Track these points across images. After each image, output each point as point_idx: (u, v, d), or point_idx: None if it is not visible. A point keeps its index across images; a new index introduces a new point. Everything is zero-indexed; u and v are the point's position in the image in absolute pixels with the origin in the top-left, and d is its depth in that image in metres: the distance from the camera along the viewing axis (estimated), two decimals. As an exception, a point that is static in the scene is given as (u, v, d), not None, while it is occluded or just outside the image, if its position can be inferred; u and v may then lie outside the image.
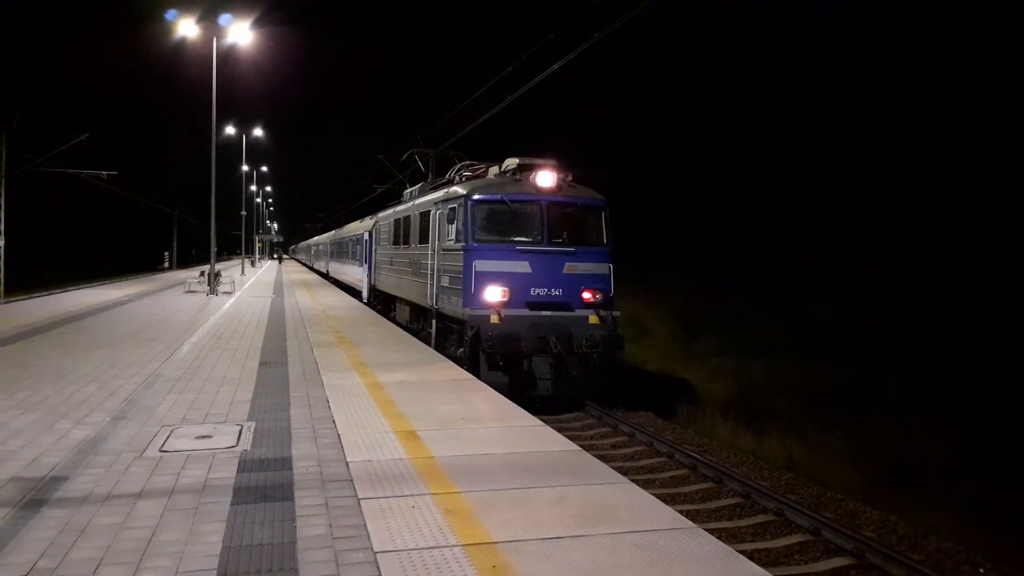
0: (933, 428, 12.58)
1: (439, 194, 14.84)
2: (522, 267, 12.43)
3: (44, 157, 28.69)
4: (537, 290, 12.46)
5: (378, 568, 4.02)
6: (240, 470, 5.72)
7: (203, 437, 6.67)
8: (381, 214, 24.28)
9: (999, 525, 8.60)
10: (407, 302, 18.19)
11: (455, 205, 13.21)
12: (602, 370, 12.67)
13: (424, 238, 15.73)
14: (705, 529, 4.80)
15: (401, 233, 18.90)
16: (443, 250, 13.89)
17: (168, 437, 6.66)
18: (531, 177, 12.94)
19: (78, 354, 11.52)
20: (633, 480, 5.99)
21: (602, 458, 7.21)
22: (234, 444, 6.44)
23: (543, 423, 7.51)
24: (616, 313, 12.88)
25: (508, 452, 6.33)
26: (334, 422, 7.27)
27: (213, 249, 26.84)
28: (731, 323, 23.50)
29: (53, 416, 7.38)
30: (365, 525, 4.62)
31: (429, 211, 15.23)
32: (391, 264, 20.46)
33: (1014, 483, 9.93)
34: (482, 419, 7.52)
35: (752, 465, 10.62)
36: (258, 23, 24.24)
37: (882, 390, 15.29)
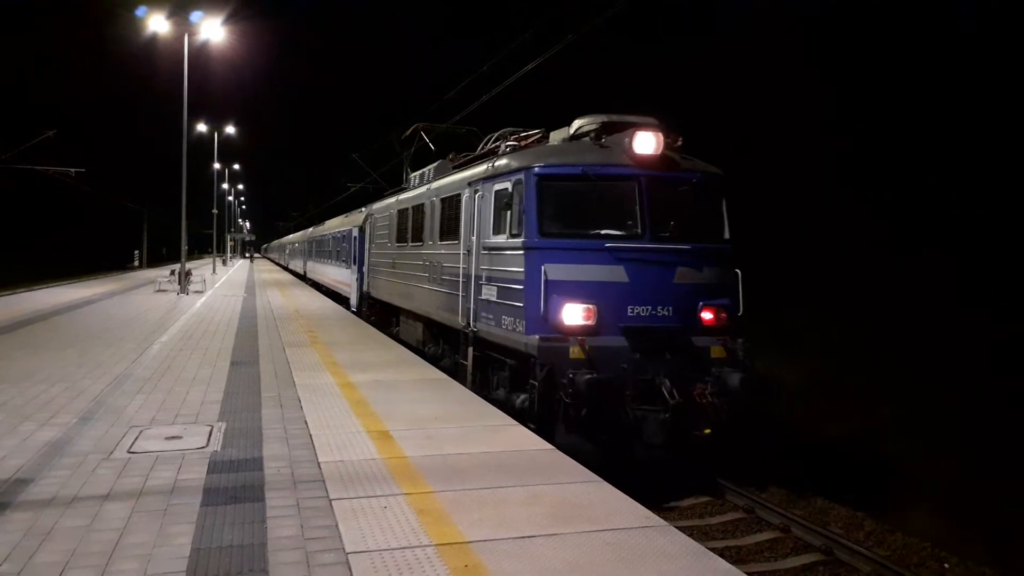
0: (911, 421, 12.74)
1: (477, 170, 10.86)
2: (615, 274, 8.64)
3: (10, 153, 28.20)
4: (637, 308, 8.67)
5: (349, 569, 4.01)
6: (210, 471, 5.67)
7: (173, 438, 6.59)
8: (376, 205, 20.45)
9: (966, 519, 8.77)
10: (420, 317, 14.32)
11: (508, 184, 9.40)
12: (735, 428, 8.73)
13: (450, 232, 11.94)
14: (676, 527, 4.84)
15: (409, 227, 14.99)
16: (486, 249, 10.03)
17: (137, 438, 6.58)
18: (624, 142, 8.99)
19: (44, 354, 11.32)
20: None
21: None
22: (204, 445, 6.38)
23: (516, 422, 7.52)
24: (746, 344, 9.04)
25: (481, 451, 6.33)
26: (306, 422, 7.22)
27: (184, 248, 26.55)
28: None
29: (17, 417, 7.25)
30: (337, 526, 4.60)
31: (459, 195, 11.46)
32: (393, 267, 16.56)
33: (985, 477, 10.12)
34: (455, 418, 7.51)
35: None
36: (230, 20, 24.04)
37: (863, 383, 15.47)
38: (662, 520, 4.87)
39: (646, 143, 8.91)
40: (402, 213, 15.89)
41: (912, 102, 33.70)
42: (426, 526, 4.61)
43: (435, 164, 15.18)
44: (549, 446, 6.67)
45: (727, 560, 4.40)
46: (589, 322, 8.51)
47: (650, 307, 8.74)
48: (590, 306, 8.51)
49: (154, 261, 68.70)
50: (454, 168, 13.41)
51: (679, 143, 9.50)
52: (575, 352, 8.35)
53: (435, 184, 13.33)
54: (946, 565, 7.40)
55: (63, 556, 4.10)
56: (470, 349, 10.60)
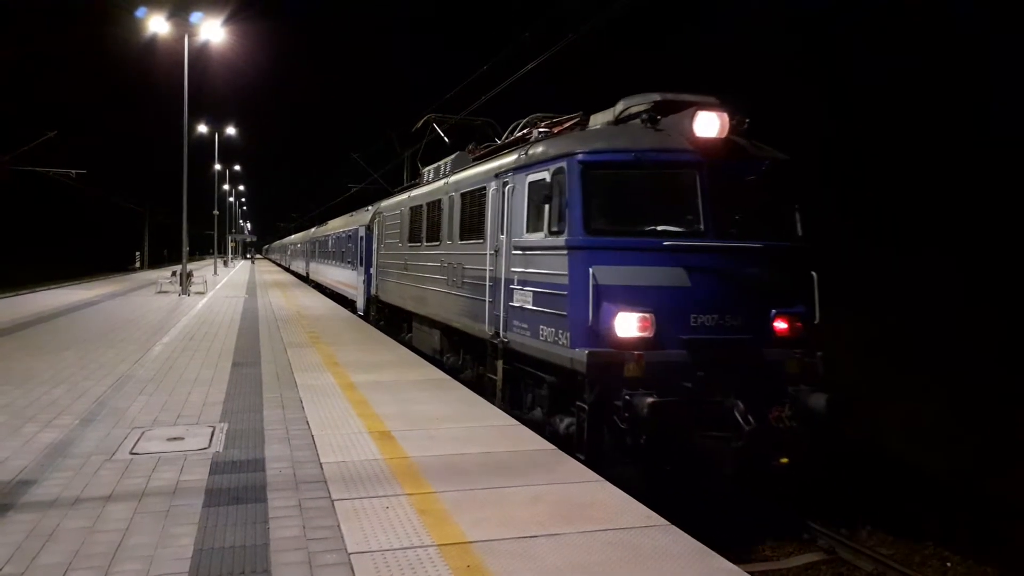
0: (910, 419, 12.74)
1: (506, 160, 9.67)
2: (675, 278, 7.48)
3: (11, 155, 28.25)
4: (701, 317, 7.48)
5: (352, 569, 4.01)
6: (212, 472, 5.67)
7: (175, 439, 6.60)
8: (385, 203, 19.36)
9: (967, 517, 8.76)
10: (436, 324, 13.02)
11: (546, 173, 8.23)
12: (814, 455, 7.65)
13: (472, 230, 10.81)
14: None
15: (424, 225, 13.79)
16: (518, 249, 8.87)
17: (139, 439, 6.58)
18: (683, 123, 7.78)
19: (46, 355, 11.33)
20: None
21: None
22: (206, 446, 6.38)
23: (517, 422, 7.52)
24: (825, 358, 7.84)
25: (483, 451, 6.34)
26: (308, 423, 7.23)
27: (185, 249, 26.57)
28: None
29: (20, 419, 7.26)
30: (339, 526, 4.60)
31: (483, 189, 10.31)
32: (405, 268, 15.27)
33: (985, 476, 10.12)
34: (457, 418, 7.52)
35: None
36: (230, 20, 24.07)
37: (861, 381, 15.46)
38: (664, 519, 4.87)
39: (709, 125, 7.68)
40: (415, 211, 14.68)
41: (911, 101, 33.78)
42: (428, 526, 4.62)
43: (452, 156, 13.94)
44: (551, 446, 6.67)
45: (729, 559, 4.40)
46: (646, 334, 7.27)
47: (716, 316, 7.52)
48: (647, 315, 7.27)
49: (155, 262, 68.76)
50: (475, 160, 12.37)
51: (746, 125, 8.12)
52: (631, 369, 7.14)
53: (453, 178, 12.27)
54: (948, 564, 7.39)
55: (66, 557, 4.11)
56: (499, 362, 9.45)
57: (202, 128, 41.14)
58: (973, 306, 21.16)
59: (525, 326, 8.64)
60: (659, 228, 7.64)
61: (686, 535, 4.59)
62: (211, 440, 6.57)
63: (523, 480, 5.56)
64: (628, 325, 7.25)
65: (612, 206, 7.81)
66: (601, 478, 5.74)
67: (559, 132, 9.41)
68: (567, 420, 7.79)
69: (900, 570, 6.87)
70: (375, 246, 19.73)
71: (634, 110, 8.36)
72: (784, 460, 7.32)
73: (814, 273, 7.94)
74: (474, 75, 17.18)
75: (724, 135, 7.70)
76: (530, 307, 8.50)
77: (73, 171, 33.34)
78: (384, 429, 7.00)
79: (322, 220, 48.38)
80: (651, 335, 7.27)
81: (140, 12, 22.79)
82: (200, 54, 25.30)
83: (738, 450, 7.01)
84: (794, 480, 7.60)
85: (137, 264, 63.78)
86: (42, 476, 5.53)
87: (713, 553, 4.36)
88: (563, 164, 7.89)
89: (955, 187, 29.09)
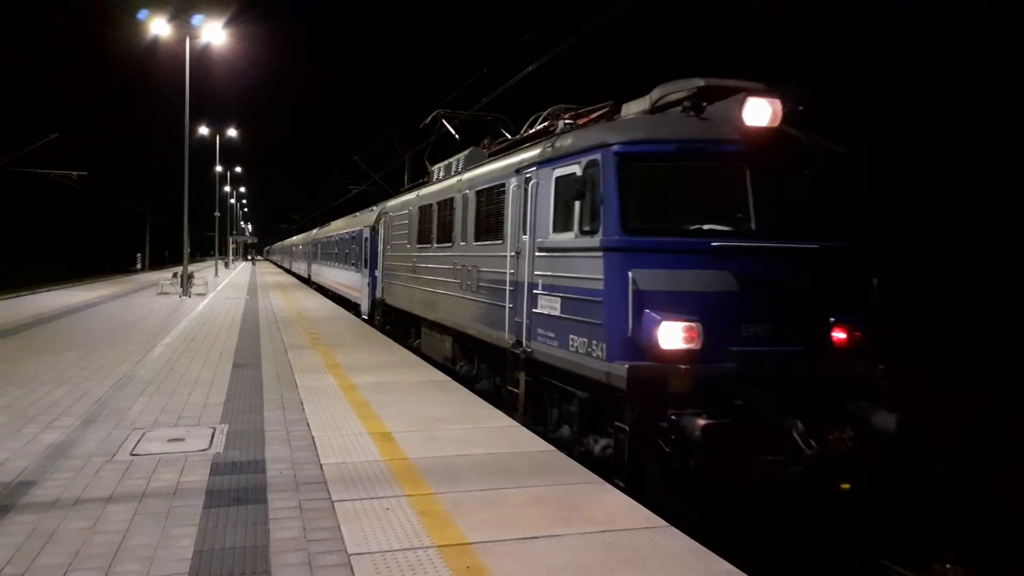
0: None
1: (529, 154, 8.92)
2: (723, 282, 6.70)
3: (12, 156, 28.31)
4: (752, 327, 6.75)
5: (352, 570, 4.02)
6: (213, 473, 5.68)
7: (175, 440, 6.61)
8: (391, 202, 18.63)
9: (967, 517, 8.76)
10: (448, 330, 12.29)
11: (577, 167, 7.45)
12: (884, 484, 7.15)
13: (489, 231, 10.05)
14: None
15: (434, 226, 13.07)
16: (543, 250, 8.14)
17: (139, 440, 6.60)
18: (730, 111, 7.01)
19: (47, 356, 11.34)
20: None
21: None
22: (207, 447, 6.39)
23: (517, 423, 7.53)
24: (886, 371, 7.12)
25: (483, 453, 6.34)
26: (308, 424, 7.24)
27: (186, 250, 26.59)
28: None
29: (21, 420, 7.27)
30: (339, 527, 4.61)
31: (502, 186, 9.58)
32: (414, 271, 14.51)
33: (986, 475, 10.11)
34: (457, 420, 7.52)
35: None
36: (232, 22, 24.12)
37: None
38: (664, 521, 4.87)
39: (760, 112, 6.91)
40: (424, 210, 13.89)
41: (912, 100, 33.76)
42: (428, 528, 4.62)
43: (465, 152, 13.17)
44: (551, 448, 6.67)
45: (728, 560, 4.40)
46: (692, 345, 6.43)
47: (769, 325, 6.77)
48: (693, 324, 6.44)
49: (156, 264, 68.86)
50: (491, 155, 11.55)
51: (799, 113, 7.29)
52: (676, 385, 6.36)
53: (467, 175, 11.51)
54: (948, 565, 7.39)
55: (66, 558, 4.12)
56: (521, 374, 8.69)
57: (203, 130, 41.24)
58: (980, 306, 21.16)
59: (552, 335, 7.86)
60: (705, 227, 6.89)
61: (686, 537, 4.60)
62: (211, 441, 6.58)
63: (523, 481, 5.57)
64: (673, 336, 6.43)
65: (652, 202, 7.04)
66: (600, 479, 5.74)
67: (585, 123, 8.58)
68: (603, 441, 7.03)
69: (900, 571, 6.86)
70: (380, 247, 19.03)
71: (673, 97, 7.58)
72: (846, 486, 6.59)
73: (875, 277, 7.26)
74: (476, 76, 17.09)
75: (776, 124, 6.98)
76: (558, 314, 7.73)
77: (75, 173, 33.44)
78: (384, 430, 7.01)
79: (324, 221, 48.31)
80: (698, 347, 6.47)
81: (142, 14, 22.86)
82: (201, 56, 25.36)
83: (799, 476, 6.24)
84: (855, 508, 6.88)
85: (138, 265, 63.92)
86: (43, 477, 5.54)
87: (713, 555, 4.36)
88: (597, 156, 7.14)
89: (955, 187, 29.07)
